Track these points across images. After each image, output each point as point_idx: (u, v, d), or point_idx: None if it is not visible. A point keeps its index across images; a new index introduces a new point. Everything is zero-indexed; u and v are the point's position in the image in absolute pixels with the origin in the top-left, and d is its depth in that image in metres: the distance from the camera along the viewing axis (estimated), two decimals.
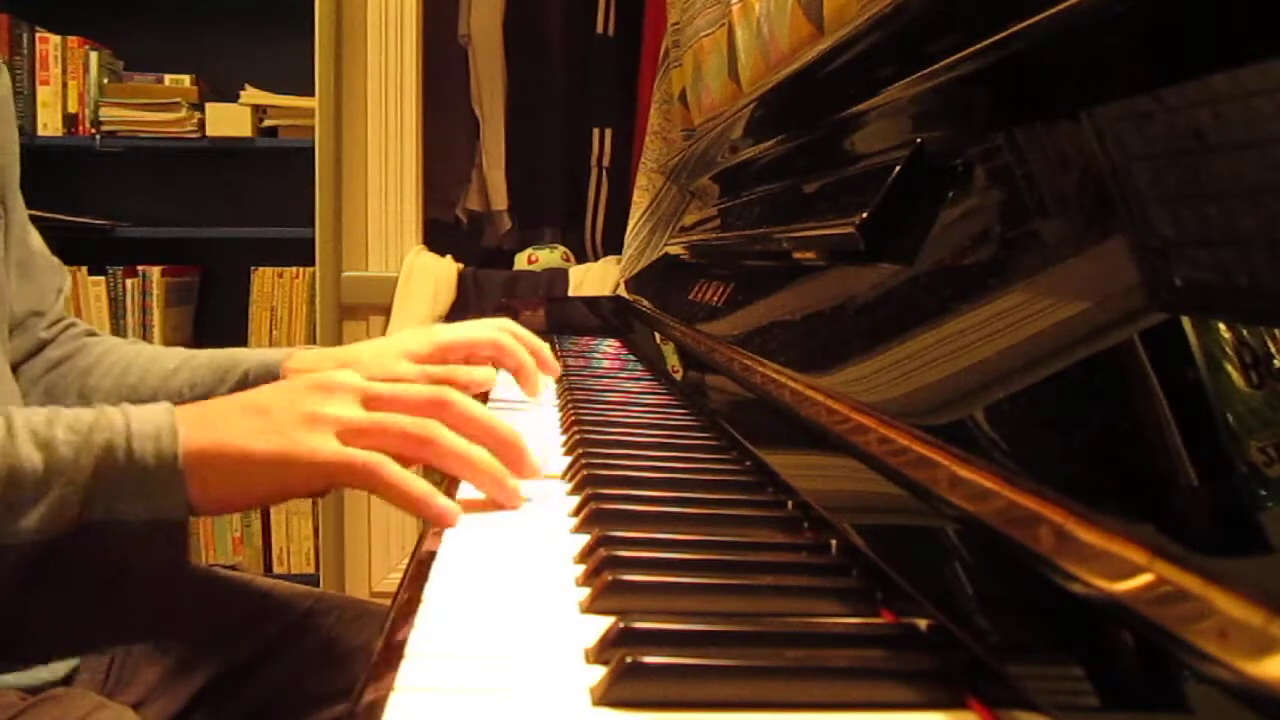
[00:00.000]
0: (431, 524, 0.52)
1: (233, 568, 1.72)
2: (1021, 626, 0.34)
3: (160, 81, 2.42)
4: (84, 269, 2.40)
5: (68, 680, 0.74)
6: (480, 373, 0.82)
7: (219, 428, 0.55)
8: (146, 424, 0.54)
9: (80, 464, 0.53)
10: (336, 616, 0.82)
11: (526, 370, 0.84)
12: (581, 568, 0.45)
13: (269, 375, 0.82)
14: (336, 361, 0.83)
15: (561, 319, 1.59)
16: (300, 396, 0.57)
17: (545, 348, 0.88)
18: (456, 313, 2.07)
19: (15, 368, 0.82)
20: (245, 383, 0.82)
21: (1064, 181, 0.45)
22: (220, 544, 2.42)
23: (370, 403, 0.58)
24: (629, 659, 0.32)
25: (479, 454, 0.56)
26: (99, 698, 0.69)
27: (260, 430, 0.55)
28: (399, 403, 0.58)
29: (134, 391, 0.83)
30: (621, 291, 1.67)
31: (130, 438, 0.53)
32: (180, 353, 0.87)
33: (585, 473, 0.59)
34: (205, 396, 0.80)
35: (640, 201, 1.79)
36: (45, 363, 0.85)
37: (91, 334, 0.89)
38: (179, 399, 0.80)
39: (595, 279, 2.08)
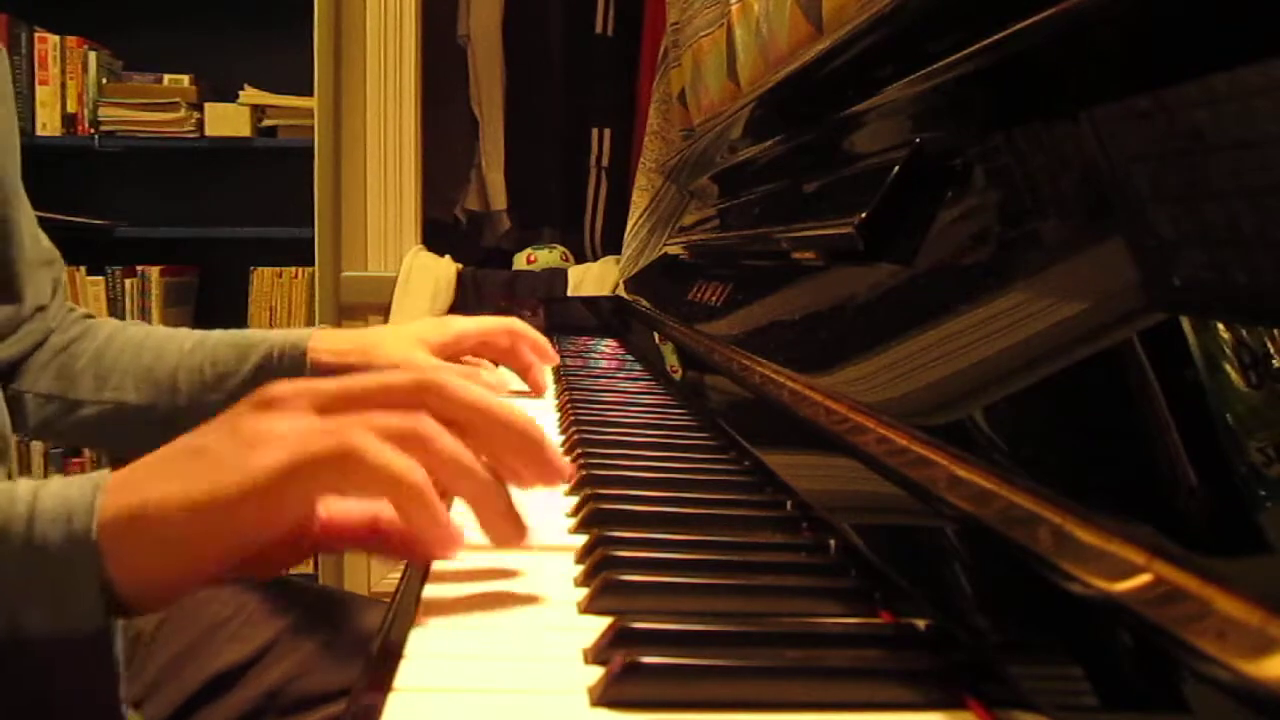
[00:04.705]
0: (430, 550, 0.43)
1: None
2: (1020, 626, 0.34)
3: (159, 81, 2.42)
4: (83, 269, 2.40)
5: None
6: (494, 377, 0.89)
7: (144, 486, 0.42)
8: (59, 500, 0.41)
9: None
10: (338, 613, 0.82)
11: (534, 370, 0.93)
12: (580, 568, 0.45)
13: (295, 353, 0.84)
14: (358, 344, 0.87)
15: (560, 319, 1.58)
16: (239, 422, 0.43)
17: (546, 342, 0.96)
18: (455, 312, 2.07)
19: (23, 360, 0.83)
20: (270, 360, 0.83)
21: (1063, 181, 0.45)
22: None
23: (335, 403, 0.44)
24: (627, 659, 0.32)
25: (481, 468, 0.43)
26: None
27: (194, 474, 0.41)
28: (374, 396, 0.44)
29: (150, 372, 0.83)
30: (620, 291, 1.67)
31: (33, 519, 0.41)
32: (193, 333, 0.87)
33: (583, 473, 0.59)
34: (226, 375, 0.83)
35: (639, 201, 1.79)
36: (52, 349, 0.85)
37: (89, 316, 0.90)
38: (200, 376, 0.83)
39: (594, 279, 2.08)
